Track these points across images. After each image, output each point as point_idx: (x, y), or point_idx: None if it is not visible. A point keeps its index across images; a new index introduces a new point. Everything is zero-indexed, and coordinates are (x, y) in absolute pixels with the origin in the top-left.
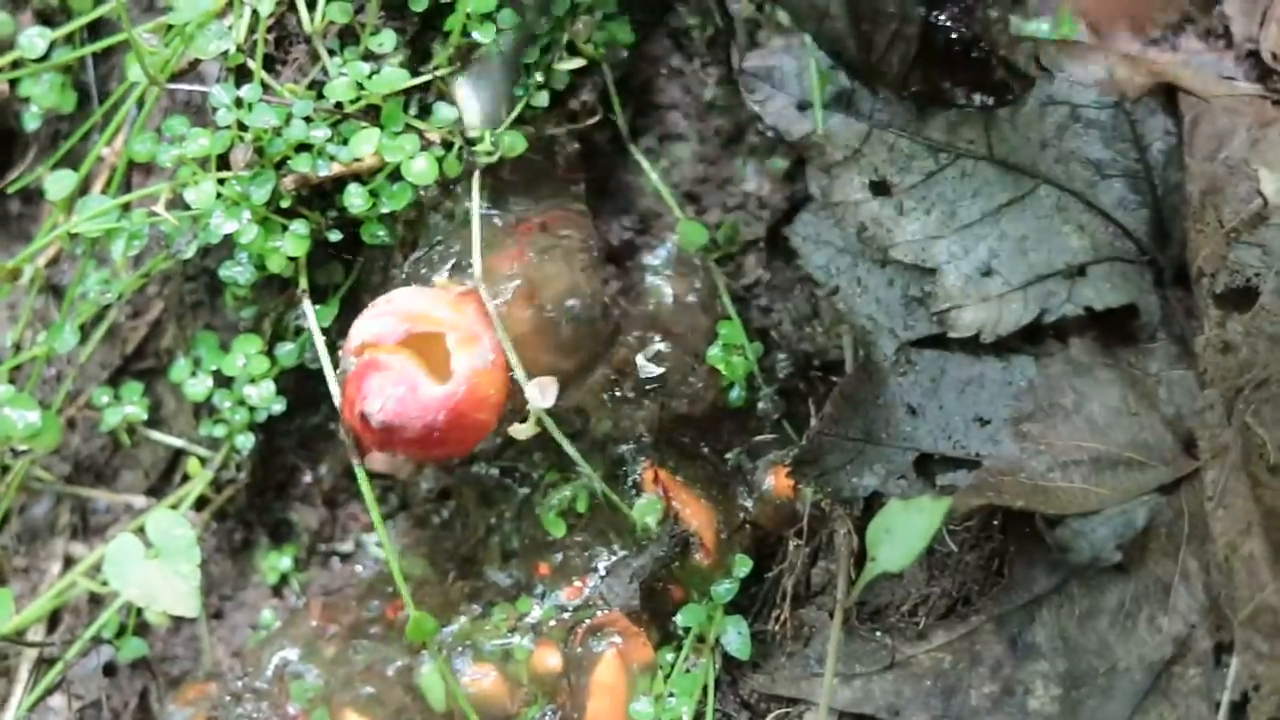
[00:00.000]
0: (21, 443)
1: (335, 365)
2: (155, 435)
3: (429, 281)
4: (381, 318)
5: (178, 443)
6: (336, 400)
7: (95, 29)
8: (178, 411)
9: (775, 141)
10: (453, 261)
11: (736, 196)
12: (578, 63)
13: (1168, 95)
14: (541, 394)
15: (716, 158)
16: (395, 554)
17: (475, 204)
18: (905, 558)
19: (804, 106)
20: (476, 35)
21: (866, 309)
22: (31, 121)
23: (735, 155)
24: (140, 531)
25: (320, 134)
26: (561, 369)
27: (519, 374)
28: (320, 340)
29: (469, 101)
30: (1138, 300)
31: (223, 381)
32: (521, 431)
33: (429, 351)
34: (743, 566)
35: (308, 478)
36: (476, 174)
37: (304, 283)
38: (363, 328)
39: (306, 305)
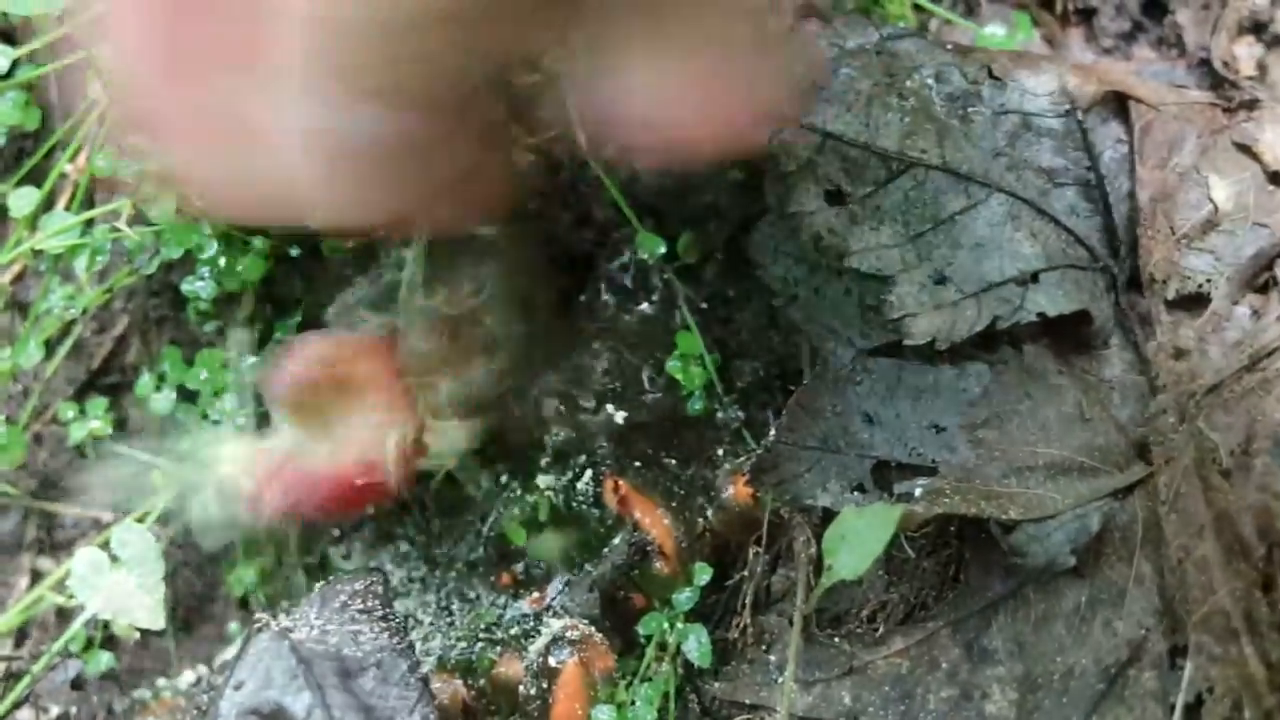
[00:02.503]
0: None
1: None
2: (121, 450)
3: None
4: (287, 373)
5: (144, 457)
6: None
7: (59, 47)
8: (142, 426)
9: None
10: (395, 288)
11: (696, 208)
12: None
13: (1119, 103)
14: (467, 436)
15: (675, 170)
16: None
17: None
18: (861, 564)
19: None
20: None
21: (823, 318)
22: None
23: (693, 167)
24: (106, 545)
25: None
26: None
27: (430, 424)
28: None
29: None
30: (1090, 307)
31: (187, 395)
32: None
33: (340, 394)
34: (703, 574)
35: None
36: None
37: (251, 308)
38: (271, 380)
39: (239, 334)
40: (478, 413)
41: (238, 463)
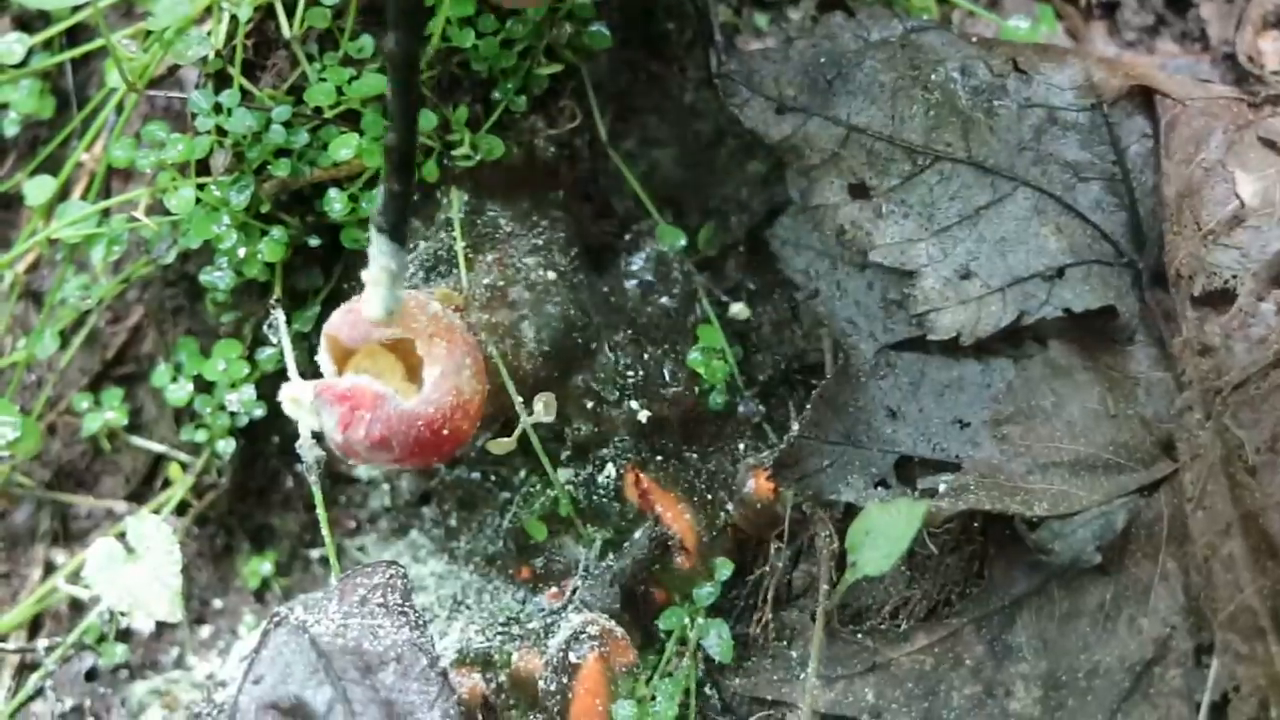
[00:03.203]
0: (2, 449)
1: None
2: (136, 441)
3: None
4: (355, 318)
5: (159, 448)
6: (293, 411)
7: (74, 35)
8: (158, 417)
9: (754, 145)
10: (433, 269)
11: (715, 200)
12: (556, 68)
13: (1145, 98)
14: (545, 409)
15: (695, 161)
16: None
17: (456, 209)
18: (885, 561)
19: (782, 109)
20: (455, 41)
21: (846, 312)
22: (10, 127)
23: (714, 159)
24: (121, 536)
25: (300, 139)
26: (541, 374)
27: (509, 386)
28: (290, 355)
29: None
30: (1116, 302)
31: (203, 387)
32: (501, 446)
33: (408, 352)
34: (724, 569)
35: (289, 483)
36: (455, 179)
37: (278, 291)
38: (336, 325)
39: (279, 315)
40: (558, 357)
41: (306, 401)
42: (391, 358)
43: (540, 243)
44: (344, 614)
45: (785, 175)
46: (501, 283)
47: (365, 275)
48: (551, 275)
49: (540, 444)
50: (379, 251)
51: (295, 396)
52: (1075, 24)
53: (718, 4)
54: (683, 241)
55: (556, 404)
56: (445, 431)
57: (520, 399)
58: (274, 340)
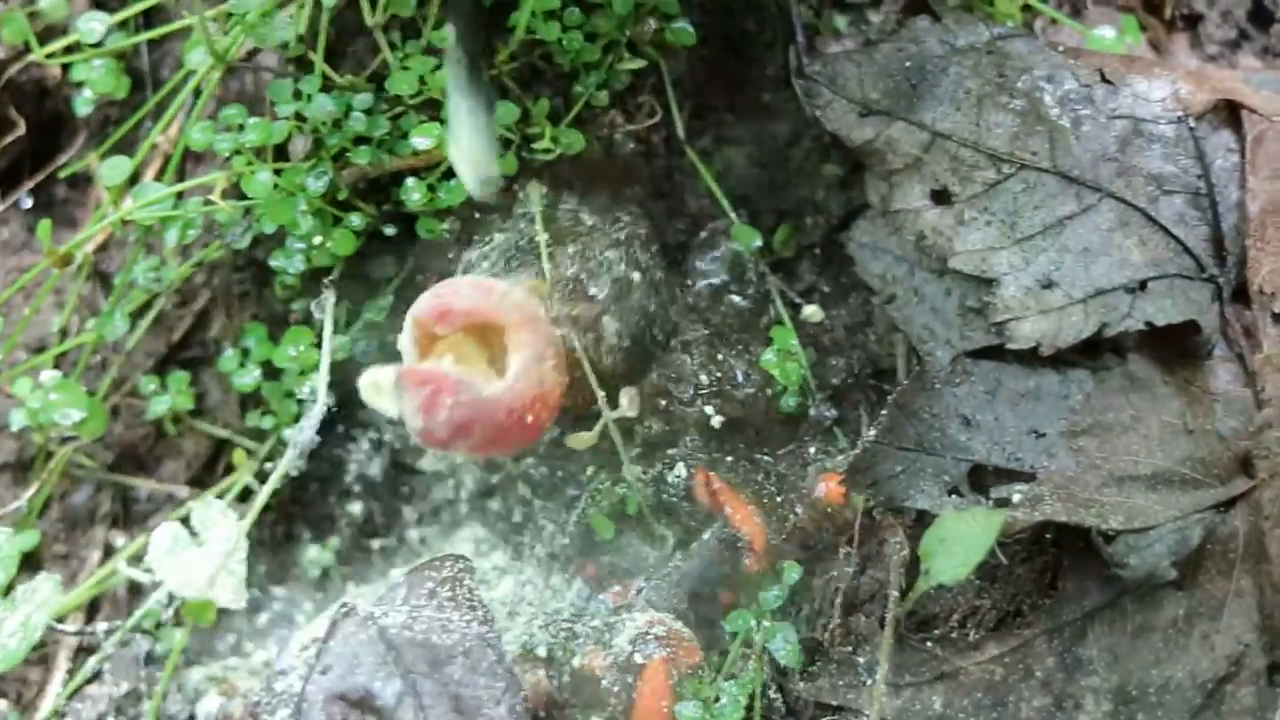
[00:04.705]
0: (67, 430)
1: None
2: (200, 425)
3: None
4: (444, 304)
5: (223, 433)
6: (372, 397)
7: (149, 16)
8: (223, 402)
9: (830, 147)
10: (512, 260)
11: (791, 201)
12: (638, 63)
13: (1231, 112)
14: (629, 404)
15: (771, 162)
16: None
17: (536, 201)
18: (961, 569)
19: (866, 112)
20: (540, 34)
21: (922, 318)
22: (83, 107)
23: (790, 160)
24: (184, 521)
25: (380, 127)
26: (619, 370)
27: (591, 380)
28: (329, 336)
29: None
30: (1197, 317)
31: (270, 373)
32: (582, 441)
33: (490, 340)
34: (792, 573)
35: (352, 472)
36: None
37: (335, 272)
38: (425, 310)
39: (329, 296)
40: (636, 354)
41: (389, 385)
42: (475, 345)
43: (621, 238)
44: (412, 607)
45: (863, 178)
46: (583, 276)
47: (451, 149)
48: (633, 271)
49: (607, 440)
50: (461, 93)
51: (376, 381)
52: (1158, 35)
53: (799, 4)
54: (758, 242)
55: (639, 400)
56: (526, 421)
57: (602, 393)
58: (318, 316)
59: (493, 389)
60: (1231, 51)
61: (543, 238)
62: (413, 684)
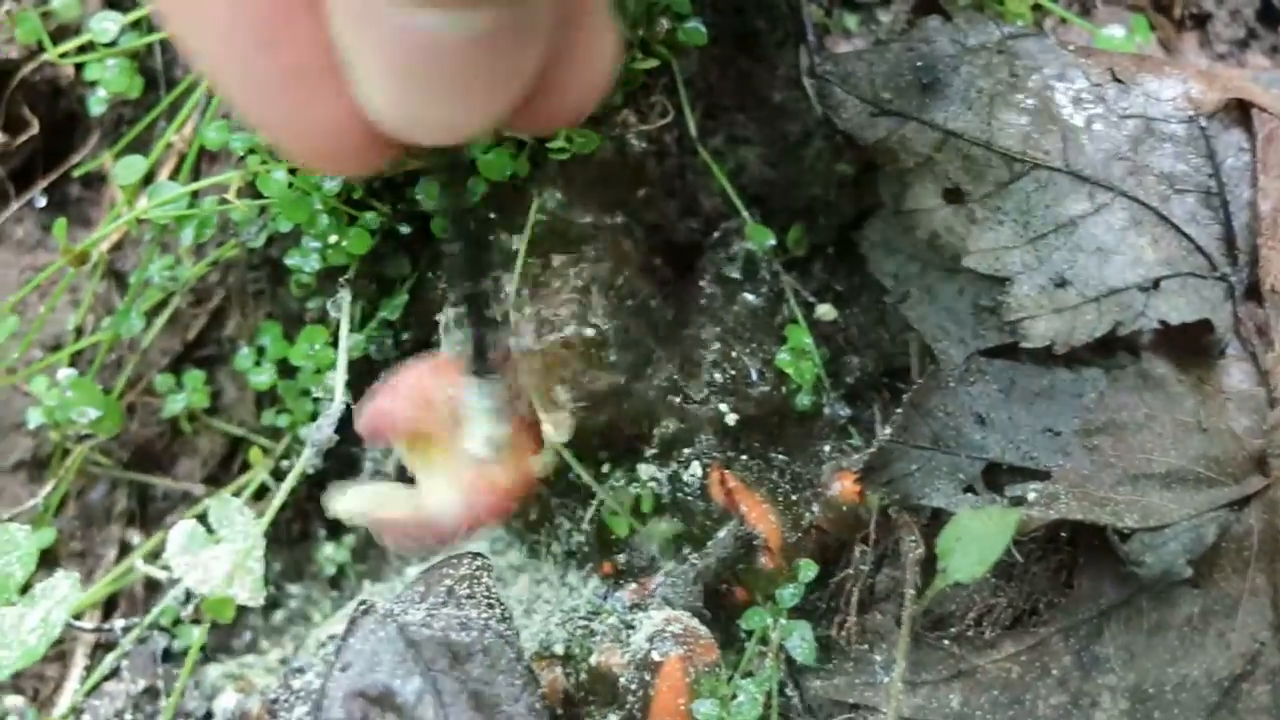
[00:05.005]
0: (83, 428)
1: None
2: (216, 423)
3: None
4: (381, 420)
5: (238, 432)
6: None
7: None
8: (238, 400)
9: (842, 146)
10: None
11: (803, 200)
12: (651, 63)
13: (1242, 112)
14: (556, 430)
15: (783, 161)
16: None
17: (534, 210)
18: (978, 568)
19: (877, 112)
20: None
21: (936, 317)
22: (97, 106)
23: (802, 159)
24: (202, 518)
25: None
26: (628, 367)
27: (540, 411)
28: (345, 334)
29: None
30: (1211, 316)
31: (286, 371)
32: (540, 468)
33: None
34: (809, 571)
35: (368, 469)
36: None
37: (351, 271)
38: (365, 425)
39: (345, 295)
40: (596, 410)
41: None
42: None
43: (631, 238)
44: (431, 604)
45: (876, 178)
46: (588, 276)
47: (464, 409)
48: (641, 271)
49: (623, 439)
50: (475, 395)
51: (341, 508)
52: (1168, 35)
53: (809, 3)
54: (772, 241)
55: (571, 423)
56: (492, 510)
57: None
58: (334, 315)
59: (442, 512)
60: (1240, 50)
61: (513, 287)
62: (433, 681)
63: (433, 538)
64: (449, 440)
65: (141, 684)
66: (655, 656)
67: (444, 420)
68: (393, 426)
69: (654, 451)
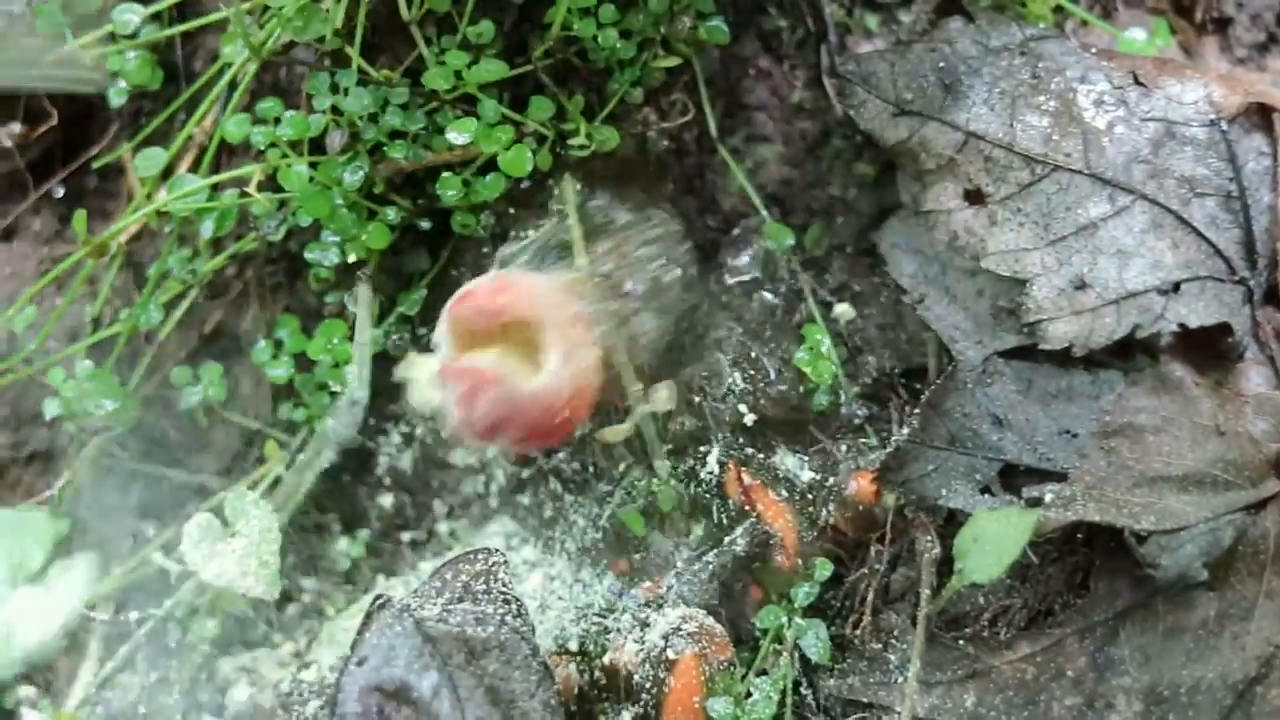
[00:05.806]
0: (100, 420)
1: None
2: (232, 416)
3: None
4: (481, 300)
5: (255, 425)
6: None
7: (182, 9)
8: (254, 394)
9: (862, 146)
10: (547, 255)
11: (822, 200)
12: (672, 61)
13: (1263, 116)
14: (666, 398)
15: (802, 160)
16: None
17: (571, 198)
18: (995, 568)
19: (898, 112)
20: (577, 30)
21: (954, 318)
22: (117, 98)
23: (821, 159)
24: (216, 511)
25: (416, 122)
26: (652, 366)
27: (626, 375)
28: (364, 327)
29: None
30: (1229, 319)
31: (303, 365)
32: (616, 434)
33: (527, 335)
34: (823, 570)
35: (383, 464)
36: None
37: (370, 265)
38: (462, 305)
39: (363, 289)
40: (670, 351)
41: (428, 377)
42: (511, 340)
43: (655, 235)
44: (447, 600)
45: (895, 178)
46: (619, 273)
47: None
48: (668, 268)
49: (639, 437)
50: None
51: (415, 372)
52: (1189, 38)
53: (831, 3)
54: (791, 240)
55: (673, 395)
56: (563, 416)
57: (637, 386)
58: (351, 309)
59: (530, 385)
60: (1260, 55)
61: (577, 232)
62: (449, 676)
63: (524, 414)
64: (546, 329)
65: (155, 676)
66: (670, 654)
67: (543, 307)
68: (486, 310)
69: (670, 448)
